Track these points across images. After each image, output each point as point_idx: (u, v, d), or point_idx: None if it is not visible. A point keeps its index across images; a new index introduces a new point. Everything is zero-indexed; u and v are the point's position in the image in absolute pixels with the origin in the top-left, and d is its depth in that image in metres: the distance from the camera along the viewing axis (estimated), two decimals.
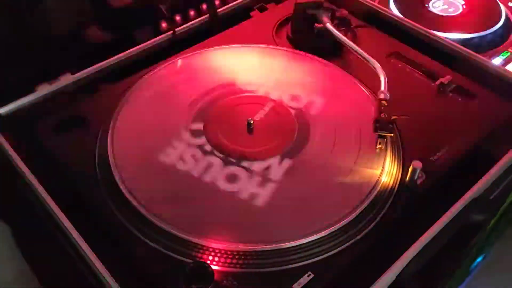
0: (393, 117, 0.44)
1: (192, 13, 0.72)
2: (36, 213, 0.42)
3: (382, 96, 0.46)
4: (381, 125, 0.43)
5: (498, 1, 0.69)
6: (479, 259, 1.04)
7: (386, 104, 0.45)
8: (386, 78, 0.47)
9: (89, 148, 0.44)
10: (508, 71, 0.54)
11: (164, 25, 0.69)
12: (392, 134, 0.43)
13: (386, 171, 0.42)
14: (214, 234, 0.36)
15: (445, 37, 0.62)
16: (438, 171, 0.44)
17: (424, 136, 0.47)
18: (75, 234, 0.37)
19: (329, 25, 0.54)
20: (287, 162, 0.43)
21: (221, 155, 0.43)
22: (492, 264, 0.90)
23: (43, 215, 0.41)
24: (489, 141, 0.47)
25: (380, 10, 0.63)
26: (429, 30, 0.59)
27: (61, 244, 0.39)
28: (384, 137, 0.43)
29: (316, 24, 0.55)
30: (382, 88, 0.46)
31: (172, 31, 0.56)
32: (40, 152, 0.44)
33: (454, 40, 0.63)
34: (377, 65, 0.49)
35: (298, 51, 0.56)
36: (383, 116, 0.44)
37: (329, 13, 0.56)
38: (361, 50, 0.51)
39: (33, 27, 0.51)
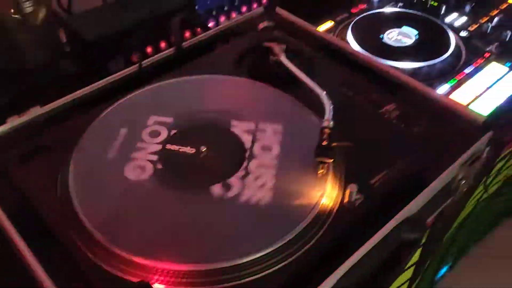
0: (333, 144, 0.48)
1: (163, 44, 0.78)
2: None
3: (325, 124, 0.49)
4: (321, 151, 0.47)
5: (449, 32, 0.74)
6: (443, 270, 1.07)
7: (328, 132, 0.49)
8: (331, 107, 0.51)
9: (52, 178, 0.47)
10: (447, 99, 0.59)
11: (135, 56, 0.74)
12: (331, 160, 0.47)
13: (326, 194, 0.46)
14: (158, 254, 0.40)
15: (396, 67, 0.67)
16: (376, 193, 0.47)
17: (367, 160, 0.51)
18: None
19: (282, 57, 0.59)
20: (230, 183, 0.47)
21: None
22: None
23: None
24: (425, 165, 0.50)
25: (334, 42, 0.67)
26: (377, 61, 0.64)
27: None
28: (324, 162, 0.47)
29: (271, 56, 0.60)
30: (326, 116, 0.50)
31: (138, 64, 0.60)
32: (5, 181, 0.48)
33: (405, 70, 0.68)
34: (323, 95, 0.53)
35: (248, 80, 0.59)
36: (325, 143, 0.48)
37: (284, 46, 0.60)
38: (309, 81, 0.55)
39: (4, 60, 0.54)
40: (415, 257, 0.65)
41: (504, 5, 0.82)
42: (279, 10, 0.72)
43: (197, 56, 0.66)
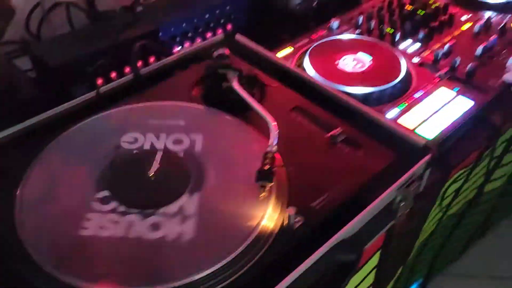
0: (273, 168, 0.50)
1: (127, 70, 0.80)
2: None
3: (268, 148, 0.52)
4: (262, 175, 0.49)
5: (401, 58, 0.77)
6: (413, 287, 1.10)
7: (270, 156, 0.51)
8: (276, 133, 0.54)
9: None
10: (392, 123, 0.61)
11: (100, 81, 0.76)
12: (271, 184, 0.49)
13: (267, 217, 0.48)
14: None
15: (349, 92, 0.70)
16: (317, 216, 0.49)
17: (310, 183, 0.53)
18: None
19: (235, 84, 0.61)
20: (173, 206, 0.49)
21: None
22: None
23: None
24: (366, 188, 0.53)
25: (289, 68, 0.70)
26: (330, 86, 0.67)
27: None
28: (264, 186, 0.48)
29: (224, 83, 0.62)
30: (270, 141, 0.53)
31: (96, 91, 0.62)
32: None
33: (358, 94, 0.71)
34: (269, 121, 0.55)
35: (200, 106, 0.62)
36: (266, 167, 0.50)
37: (238, 73, 0.63)
38: (258, 107, 0.57)
39: None
40: (370, 278, 0.67)
41: (457, 32, 0.86)
42: (238, 36, 0.76)
43: (156, 82, 0.68)
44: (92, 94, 0.62)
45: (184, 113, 0.62)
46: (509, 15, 0.90)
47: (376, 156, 0.56)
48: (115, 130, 0.58)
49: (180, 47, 0.84)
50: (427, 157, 0.55)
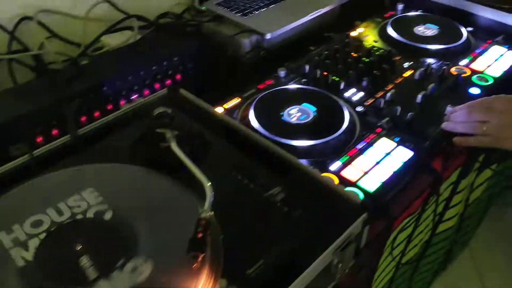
0: (207, 236, 0.49)
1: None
2: None
3: (202, 214, 0.51)
4: (194, 244, 0.48)
5: (345, 108, 0.79)
6: None
7: (204, 223, 0.50)
8: (211, 197, 0.53)
9: None
10: (330, 181, 0.62)
11: (39, 139, 0.74)
12: (204, 253, 0.48)
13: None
14: None
15: (292, 144, 0.71)
16: (253, 285, 0.48)
17: (246, 249, 0.52)
18: None
19: (173, 144, 0.61)
20: (104, 277, 0.47)
21: None
22: None
23: None
24: (302, 251, 0.52)
25: (231, 124, 0.70)
26: (271, 140, 0.67)
27: None
28: (196, 256, 0.47)
29: (161, 143, 0.62)
30: (205, 206, 0.52)
31: (29, 153, 0.61)
32: None
33: (301, 147, 0.71)
34: (205, 184, 0.54)
35: (136, 167, 0.61)
36: (200, 235, 0.49)
37: (176, 132, 0.63)
38: (195, 169, 0.57)
39: None
40: None
41: (399, 79, 0.89)
42: (183, 91, 0.76)
43: (95, 142, 0.67)
44: (25, 158, 0.60)
45: (119, 175, 0.61)
46: (448, 62, 0.93)
47: (313, 216, 0.56)
48: (37, 202, 0.56)
49: (126, 100, 0.84)
50: (363, 216, 0.55)
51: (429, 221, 0.92)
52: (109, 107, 0.82)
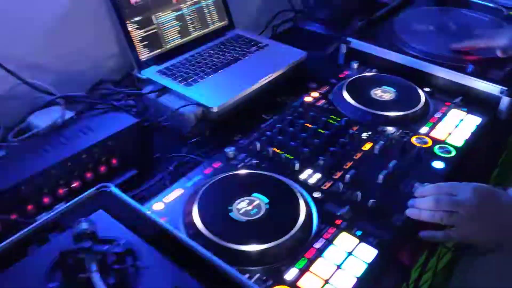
0: None
1: None
2: None
3: None
4: None
5: (300, 198, 0.70)
6: None
7: None
8: None
9: None
10: None
11: None
12: None
13: None
14: None
15: (242, 249, 0.61)
16: None
17: None
18: None
19: (94, 276, 0.50)
20: None
21: None
22: None
23: None
24: None
25: (162, 228, 0.59)
26: (212, 257, 0.55)
27: None
28: None
29: (80, 274, 0.51)
30: None
31: None
32: None
33: (251, 252, 0.62)
34: None
35: None
36: None
37: (99, 256, 0.52)
38: None
39: None
40: None
41: (358, 155, 0.82)
42: (113, 189, 0.65)
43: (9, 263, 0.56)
44: None
45: None
46: (408, 131, 0.87)
47: None
48: None
49: (50, 198, 0.72)
50: None
51: None
52: (29, 207, 0.71)
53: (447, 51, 1.06)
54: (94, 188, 0.66)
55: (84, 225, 0.55)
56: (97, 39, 0.99)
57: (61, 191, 0.74)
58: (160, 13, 1.01)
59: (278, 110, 0.94)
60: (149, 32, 0.99)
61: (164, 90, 0.93)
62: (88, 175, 0.77)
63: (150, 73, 0.96)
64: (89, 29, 0.97)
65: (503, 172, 1.16)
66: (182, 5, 1.05)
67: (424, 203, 0.70)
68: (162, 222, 0.61)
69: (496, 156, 1.05)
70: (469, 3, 1.32)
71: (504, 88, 0.93)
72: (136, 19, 0.97)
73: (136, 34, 0.97)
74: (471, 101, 0.97)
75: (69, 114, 0.84)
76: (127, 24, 0.95)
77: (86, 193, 0.66)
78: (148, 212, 0.64)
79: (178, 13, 1.04)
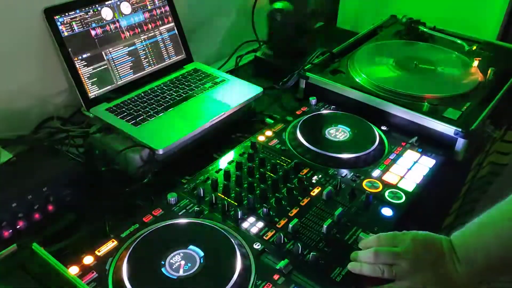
0: None
1: None
2: None
3: None
4: None
5: (237, 250, 0.67)
6: None
7: None
8: None
9: None
10: None
11: None
12: None
13: None
14: None
15: None
16: None
17: None
18: None
19: None
20: None
21: None
22: None
23: None
24: None
25: None
26: None
27: None
28: None
29: None
30: None
31: None
32: None
33: None
34: None
35: None
36: None
37: None
38: None
39: None
40: None
41: (306, 201, 0.79)
42: (35, 247, 0.62)
43: None
44: None
45: None
46: (359, 175, 0.84)
47: None
48: None
49: None
50: None
51: None
52: None
53: (406, 87, 1.05)
54: (13, 245, 0.63)
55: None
56: (45, 74, 0.96)
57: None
58: (111, 48, 0.99)
59: (231, 149, 0.92)
60: (99, 69, 0.97)
61: (111, 129, 0.91)
62: (20, 223, 0.73)
63: (98, 111, 0.93)
64: (35, 65, 0.94)
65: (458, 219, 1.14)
66: (135, 39, 1.03)
67: (364, 257, 0.67)
68: (81, 284, 0.58)
69: (450, 202, 1.03)
70: (434, 37, 1.33)
71: (458, 129, 0.93)
72: (84, 55, 0.94)
73: (85, 71, 0.94)
74: (427, 141, 0.95)
75: (6, 157, 0.81)
76: (75, 61, 0.93)
77: (3, 251, 0.62)
78: (71, 269, 0.61)
79: (131, 48, 1.02)
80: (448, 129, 0.94)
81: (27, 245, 0.62)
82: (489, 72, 1.12)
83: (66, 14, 0.92)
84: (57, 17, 0.91)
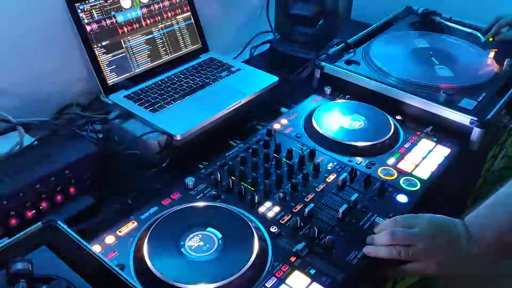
0: None
1: None
2: None
3: None
4: None
5: (254, 232, 0.69)
6: None
7: None
8: None
9: None
10: None
11: None
12: None
13: None
14: None
15: None
16: None
17: None
18: None
19: None
20: None
21: None
22: None
23: None
24: None
25: (108, 268, 0.57)
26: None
27: None
28: None
29: None
30: None
31: None
32: None
33: None
34: None
35: None
36: None
37: None
38: None
39: None
40: None
41: (321, 187, 0.80)
42: (60, 225, 0.64)
43: None
44: None
45: None
46: (375, 163, 0.85)
47: None
48: None
49: (2, 229, 0.71)
50: None
51: None
52: None
53: (421, 78, 1.06)
54: (39, 223, 0.65)
55: (19, 265, 0.54)
56: (65, 62, 0.97)
57: (13, 221, 0.73)
58: (129, 36, 1.01)
59: (247, 136, 0.93)
60: (117, 56, 0.98)
61: (129, 115, 0.92)
62: (43, 204, 0.76)
63: (117, 98, 0.95)
64: (56, 52, 0.96)
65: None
66: (153, 28, 1.05)
67: (380, 239, 0.68)
68: (105, 260, 0.59)
69: (465, 194, 1.03)
70: (450, 28, 1.32)
71: (474, 118, 0.93)
72: (104, 43, 0.96)
73: (104, 58, 0.96)
74: (442, 131, 0.96)
75: (28, 141, 0.83)
76: (94, 49, 0.95)
77: (29, 228, 0.64)
78: (94, 248, 0.63)
79: (149, 36, 1.04)
80: (464, 119, 0.94)
81: (52, 224, 0.64)
82: (505, 63, 1.12)
83: (87, 1, 0.94)
84: (77, 4, 0.93)
